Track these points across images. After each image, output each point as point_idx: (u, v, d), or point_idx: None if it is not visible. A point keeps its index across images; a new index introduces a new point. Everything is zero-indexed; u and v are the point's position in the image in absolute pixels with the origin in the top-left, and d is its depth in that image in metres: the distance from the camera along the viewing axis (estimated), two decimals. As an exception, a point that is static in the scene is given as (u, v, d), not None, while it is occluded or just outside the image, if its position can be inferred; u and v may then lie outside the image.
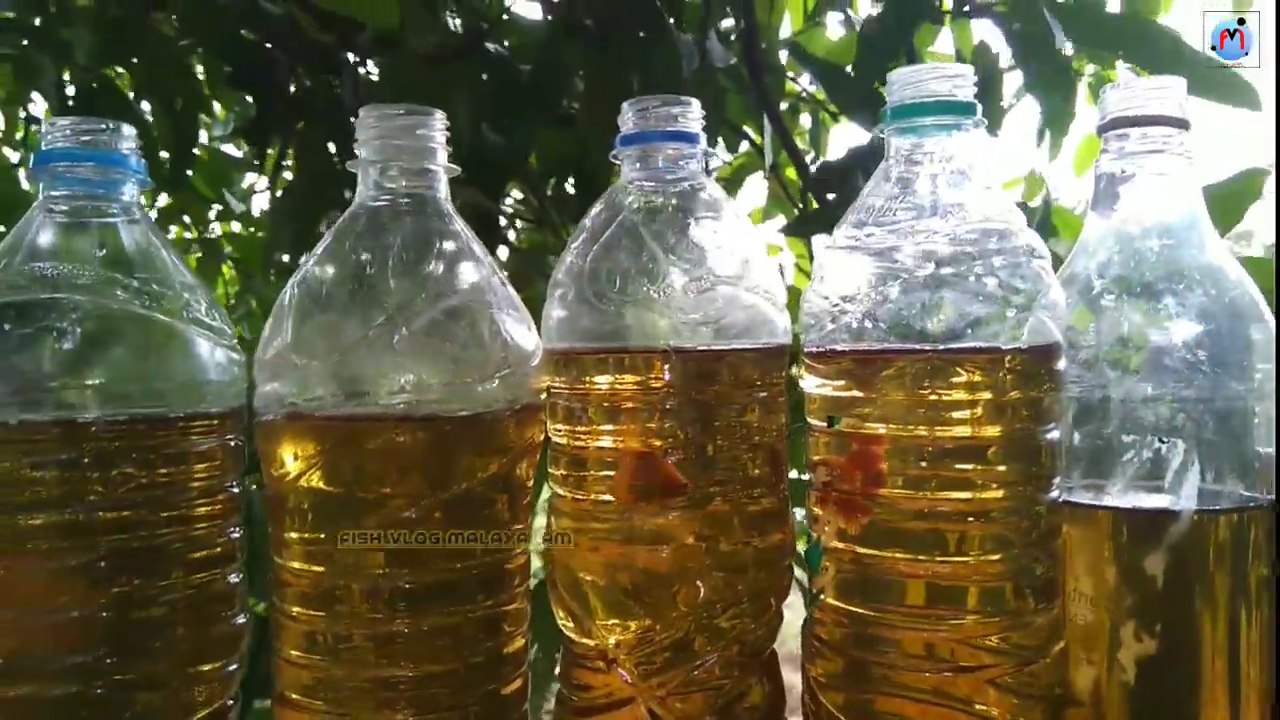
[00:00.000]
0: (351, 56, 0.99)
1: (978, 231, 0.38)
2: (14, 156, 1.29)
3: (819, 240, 0.40)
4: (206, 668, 0.37)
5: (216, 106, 1.26)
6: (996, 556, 0.37)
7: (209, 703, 0.37)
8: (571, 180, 1.03)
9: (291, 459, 0.37)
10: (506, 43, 0.93)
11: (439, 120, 0.39)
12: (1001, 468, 0.37)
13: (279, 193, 1.17)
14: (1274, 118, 0.42)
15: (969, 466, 0.37)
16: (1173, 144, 0.44)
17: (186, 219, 1.40)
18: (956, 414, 0.37)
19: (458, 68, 0.86)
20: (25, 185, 1.20)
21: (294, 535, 0.37)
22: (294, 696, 0.36)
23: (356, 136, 0.38)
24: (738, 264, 0.39)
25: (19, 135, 1.26)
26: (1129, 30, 0.79)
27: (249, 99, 1.11)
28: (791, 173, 1.12)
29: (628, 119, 0.40)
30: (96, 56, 0.99)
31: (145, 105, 1.03)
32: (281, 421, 0.37)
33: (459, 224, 0.39)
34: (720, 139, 1.06)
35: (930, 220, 0.38)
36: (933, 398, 0.37)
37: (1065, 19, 0.77)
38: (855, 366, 0.39)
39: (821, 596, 0.41)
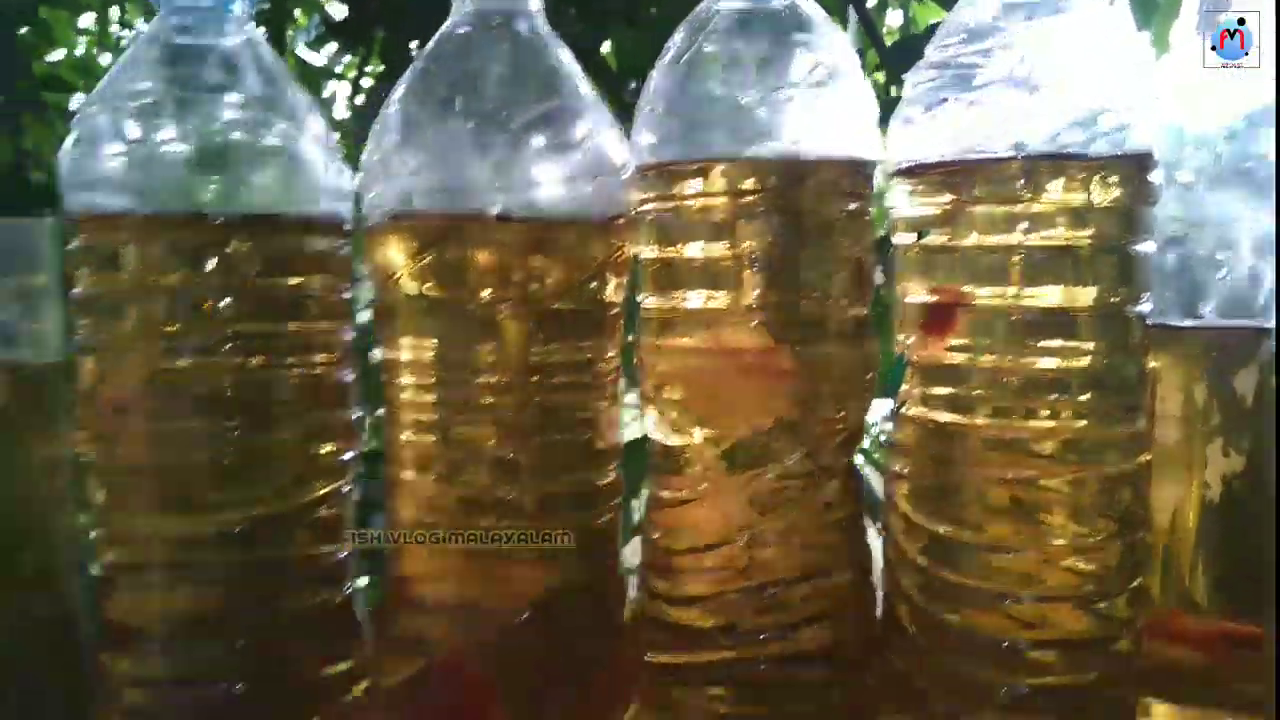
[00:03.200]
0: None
1: (1078, 34, 0.37)
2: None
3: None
4: (325, 449, 0.40)
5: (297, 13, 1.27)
6: (1083, 354, 0.37)
7: (329, 480, 0.40)
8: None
9: (396, 260, 0.39)
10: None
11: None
12: (1092, 273, 0.37)
13: (359, 99, 1.19)
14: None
15: (1060, 273, 0.38)
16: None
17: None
18: (1049, 220, 0.38)
19: None
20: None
21: (399, 343, 0.39)
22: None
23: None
24: (826, 78, 0.39)
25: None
26: None
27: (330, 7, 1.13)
28: (880, 76, 1.10)
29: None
30: None
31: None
32: (387, 224, 0.39)
33: (553, 39, 0.40)
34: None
35: (1028, 34, 0.38)
36: (1025, 205, 0.38)
37: None
38: (947, 176, 0.39)
39: (903, 409, 0.42)
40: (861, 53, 1.10)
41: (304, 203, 0.39)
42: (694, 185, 0.38)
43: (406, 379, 0.39)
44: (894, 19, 1.26)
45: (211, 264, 0.37)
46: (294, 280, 0.39)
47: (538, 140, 0.38)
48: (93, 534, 0.40)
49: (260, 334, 0.38)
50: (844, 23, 1.06)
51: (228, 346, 0.38)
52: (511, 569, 0.41)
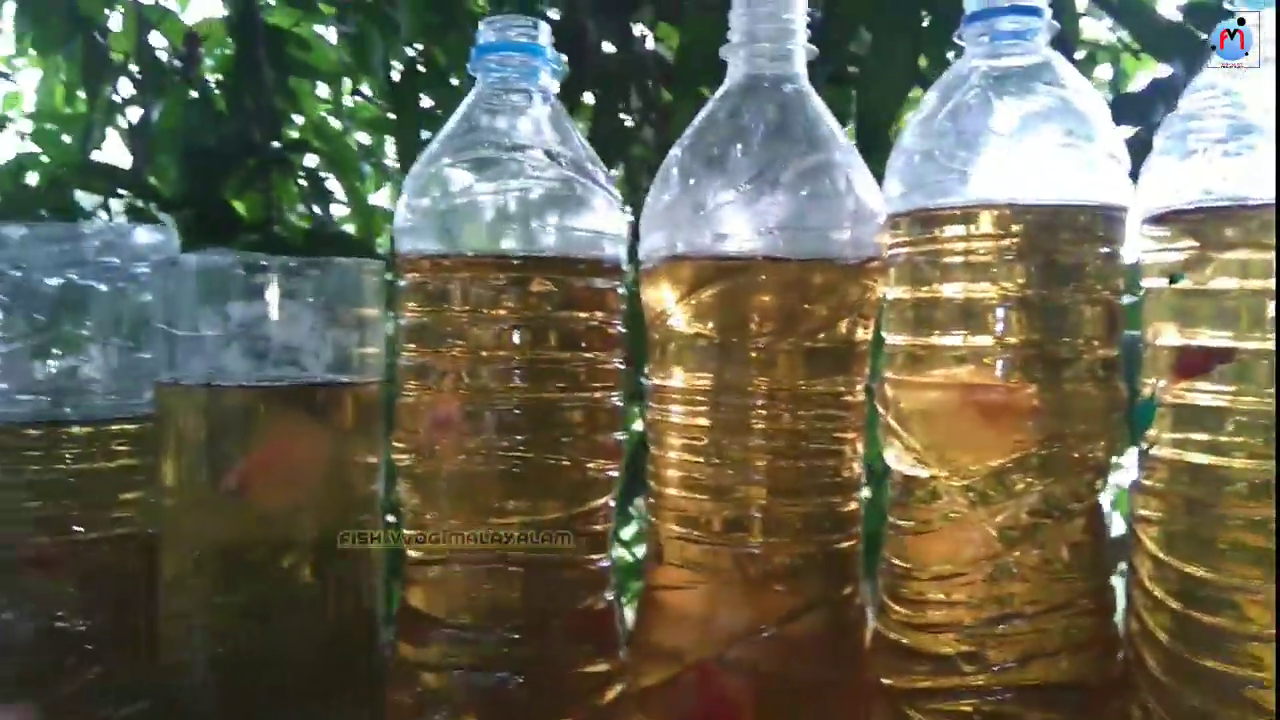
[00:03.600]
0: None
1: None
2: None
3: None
4: (594, 464, 0.45)
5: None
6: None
7: (599, 494, 0.45)
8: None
9: (668, 299, 0.43)
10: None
11: (798, 4, 0.44)
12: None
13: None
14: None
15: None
16: None
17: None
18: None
19: None
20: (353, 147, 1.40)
21: (672, 372, 0.44)
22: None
23: (729, 24, 0.44)
24: (1081, 125, 0.41)
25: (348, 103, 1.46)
26: None
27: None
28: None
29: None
30: (419, 33, 1.12)
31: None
32: (661, 265, 0.43)
33: (815, 97, 0.44)
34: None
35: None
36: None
37: None
38: (1199, 224, 0.40)
39: (1153, 450, 0.42)
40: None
41: (590, 246, 0.45)
42: (953, 230, 0.41)
43: (677, 406, 0.44)
44: (1103, 72, 1.24)
45: (515, 300, 0.43)
46: (581, 314, 0.44)
47: (802, 191, 0.42)
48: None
49: (552, 361, 0.44)
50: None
51: (522, 372, 0.43)
52: (760, 586, 0.44)
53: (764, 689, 0.44)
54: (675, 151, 0.44)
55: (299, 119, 1.36)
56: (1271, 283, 0.38)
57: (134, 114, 1.29)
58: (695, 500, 0.44)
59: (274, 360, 0.45)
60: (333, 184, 1.34)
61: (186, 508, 0.45)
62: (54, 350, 0.48)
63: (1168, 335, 0.42)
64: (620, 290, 0.46)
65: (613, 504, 0.47)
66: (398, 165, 1.37)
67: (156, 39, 1.28)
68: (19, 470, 0.48)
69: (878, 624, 0.46)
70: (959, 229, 0.41)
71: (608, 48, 1.07)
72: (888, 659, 0.45)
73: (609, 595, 0.47)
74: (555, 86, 0.46)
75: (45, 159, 1.36)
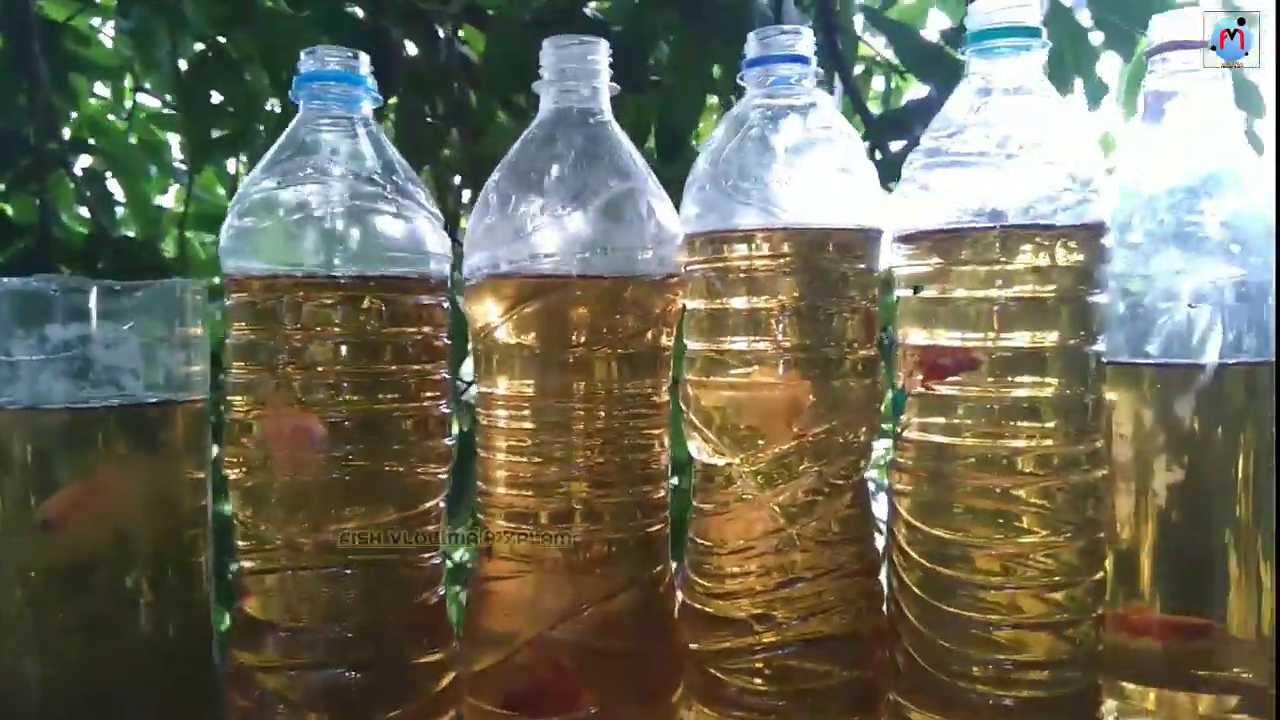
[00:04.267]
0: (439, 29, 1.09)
1: (1044, 128, 0.47)
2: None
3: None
4: (425, 469, 0.48)
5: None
6: (1049, 386, 0.46)
7: (431, 497, 0.49)
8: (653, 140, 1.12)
9: (492, 313, 0.47)
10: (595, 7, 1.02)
11: (602, 46, 0.49)
12: (1058, 320, 0.47)
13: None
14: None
15: (1029, 320, 0.47)
16: (1212, 66, 0.52)
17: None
18: (1021, 278, 0.47)
19: (558, 30, 0.95)
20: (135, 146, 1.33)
21: (497, 380, 0.48)
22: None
23: (540, 63, 0.49)
24: (842, 158, 0.48)
25: (128, 102, 1.38)
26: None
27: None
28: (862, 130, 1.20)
29: (752, 47, 0.50)
30: (213, 25, 1.09)
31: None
32: (485, 282, 0.47)
33: (618, 129, 0.49)
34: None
35: (1001, 122, 0.48)
36: (1002, 265, 0.47)
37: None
38: (939, 243, 0.48)
39: (904, 434, 0.50)
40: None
41: (414, 265, 0.48)
42: (739, 249, 0.47)
43: (502, 410, 0.48)
44: (878, 83, 1.37)
45: (343, 317, 0.46)
46: (409, 329, 0.47)
47: (611, 216, 0.47)
48: (236, 541, 0.48)
49: (378, 374, 0.47)
50: (831, 90, 1.17)
51: (352, 385, 0.46)
52: (582, 570, 0.49)
53: (587, 660, 0.49)
54: (495, 177, 0.48)
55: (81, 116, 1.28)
56: (995, 291, 0.47)
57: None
58: (523, 496, 0.48)
59: (94, 381, 0.46)
60: (115, 185, 1.27)
61: (11, 530, 0.45)
62: None
63: (914, 336, 0.50)
64: (445, 305, 0.49)
65: (442, 505, 0.51)
66: (184, 165, 1.31)
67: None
68: None
69: (685, 597, 0.52)
70: (743, 248, 0.48)
71: (412, 50, 1.08)
72: (694, 626, 0.51)
73: (440, 591, 0.51)
74: (373, 113, 0.49)
75: None
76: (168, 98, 1.31)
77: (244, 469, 0.47)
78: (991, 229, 0.47)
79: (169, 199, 1.44)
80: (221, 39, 1.09)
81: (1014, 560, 0.47)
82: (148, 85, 1.33)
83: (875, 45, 1.25)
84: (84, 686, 0.45)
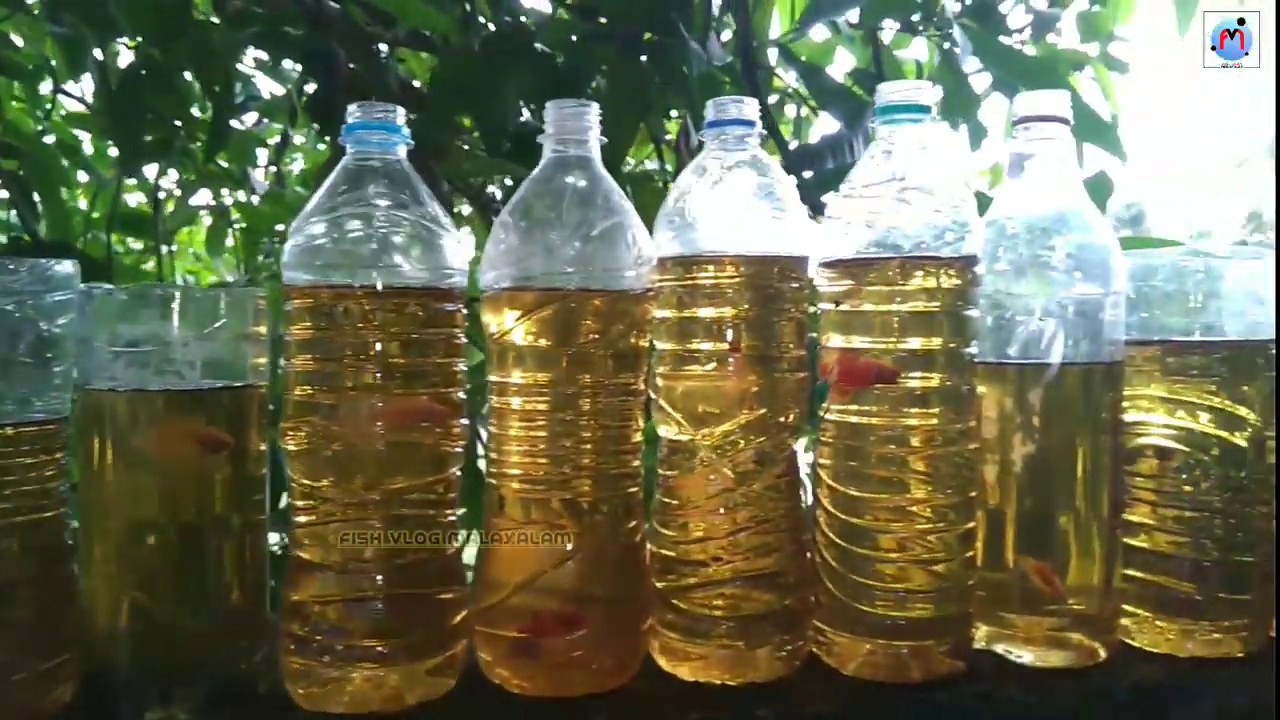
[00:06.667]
0: (384, 48, 1.15)
1: (933, 182, 0.62)
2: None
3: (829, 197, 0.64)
4: (449, 442, 0.61)
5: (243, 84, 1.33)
6: (935, 379, 0.61)
7: (453, 464, 0.61)
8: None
9: (508, 318, 0.60)
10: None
11: (594, 108, 0.62)
12: (942, 328, 0.61)
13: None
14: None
15: (920, 329, 0.61)
16: (1061, 135, 0.68)
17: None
18: (914, 296, 0.61)
19: (505, 61, 1.04)
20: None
21: (512, 371, 0.61)
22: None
23: (544, 120, 0.61)
24: (780, 200, 0.62)
25: (48, 106, 1.39)
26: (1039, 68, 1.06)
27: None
28: (779, 159, 1.34)
29: (710, 112, 0.63)
30: (145, 36, 1.09)
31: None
32: (503, 293, 0.60)
33: (605, 172, 0.62)
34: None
35: (900, 176, 0.62)
36: (900, 286, 0.61)
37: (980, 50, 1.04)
38: (851, 268, 0.63)
39: (825, 415, 0.65)
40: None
41: (443, 278, 0.60)
42: (702, 270, 0.61)
43: (517, 396, 0.60)
44: (790, 111, 1.52)
45: (388, 320, 0.57)
46: (433, 331, 0.59)
47: (604, 243, 0.60)
48: (294, 503, 0.59)
49: (416, 366, 0.59)
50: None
51: (395, 374, 0.58)
52: (576, 524, 0.61)
53: (578, 596, 0.62)
54: (509, 209, 0.61)
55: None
56: (895, 306, 0.62)
57: None
58: (533, 463, 0.60)
59: (166, 370, 0.57)
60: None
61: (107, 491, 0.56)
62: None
63: (834, 340, 0.64)
64: (463, 310, 0.62)
65: (458, 472, 0.62)
66: (112, 169, 1.32)
67: None
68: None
69: (653, 545, 0.65)
70: (706, 270, 0.61)
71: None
72: (661, 568, 0.64)
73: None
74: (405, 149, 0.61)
75: None
76: (89, 100, 1.33)
77: (306, 441, 0.58)
78: (892, 259, 0.61)
79: (83, 201, 1.44)
80: (154, 50, 1.11)
81: (906, 513, 0.62)
82: (69, 89, 1.33)
83: (788, 79, 1.39)
84: (161, 623, 0.57)
